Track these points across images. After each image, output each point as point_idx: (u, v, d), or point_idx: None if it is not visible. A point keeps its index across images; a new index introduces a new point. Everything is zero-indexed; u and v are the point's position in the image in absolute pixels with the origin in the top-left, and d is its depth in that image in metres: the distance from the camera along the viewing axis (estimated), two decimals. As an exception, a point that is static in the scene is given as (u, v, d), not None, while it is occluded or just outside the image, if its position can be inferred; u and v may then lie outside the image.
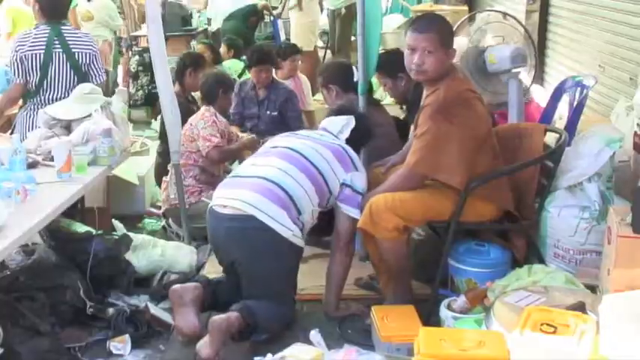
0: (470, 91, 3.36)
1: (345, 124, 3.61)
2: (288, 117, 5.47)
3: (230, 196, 3.30)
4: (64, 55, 4.26)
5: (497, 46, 4.61)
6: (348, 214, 3.42)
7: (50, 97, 4.28)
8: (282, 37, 9.22)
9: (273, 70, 5.79)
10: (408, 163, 3.32)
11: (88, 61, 4.31)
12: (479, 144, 3.29)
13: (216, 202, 3.35)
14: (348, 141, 3.58)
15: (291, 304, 3.41)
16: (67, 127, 3.92)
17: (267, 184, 3.28)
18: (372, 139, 3.76)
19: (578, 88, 4.60)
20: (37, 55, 4.25)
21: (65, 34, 4.29)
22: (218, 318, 3.15)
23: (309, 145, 3.46)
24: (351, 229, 3.44)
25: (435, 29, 3.33)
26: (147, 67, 7.44)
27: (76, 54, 4.28)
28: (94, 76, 4.34)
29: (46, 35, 4.27)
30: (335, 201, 3.44)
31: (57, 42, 4.26)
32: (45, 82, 4.27)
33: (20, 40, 4.35)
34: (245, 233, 3.23)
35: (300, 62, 6.50)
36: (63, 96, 4.25)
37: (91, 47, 4.37)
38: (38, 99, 4.31)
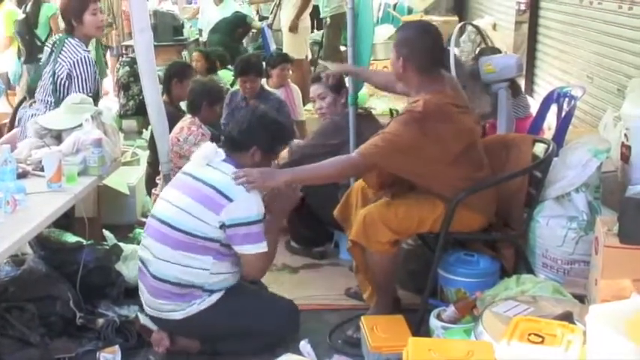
0: (452, 105, 3.27)
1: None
2: None
3: (142, 296, 3.41)
4: (53, 63, 4.28)
5: (495, 56, 4.63)
6: (242, 253, 3.23)
7: (38, 97, 4.34)
8: (273, 47, 9.21)
9: (263, 79, 5.77)
10: (362, 153, 3.21)
11: (63, 76, 4.20)
12: (453, 158, 3.24)
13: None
14: (231, 147, 3.31)
15: (265, 329, 3.30)
16: (58, 137, 3.91)
17: (156, 283, 3.27)
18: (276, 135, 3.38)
19: (567, 99, 4.63)
20: (45, 56, 4.42)
21: (65, 45, 4.27)
22: (181, 339, 3.35)
23: (182, 204, 3.23)
24: (256, 261, 3.26)
25: (398, 32, 3.49)
26: (138, 78, 7.37)
27: (58, 63, 4.25)
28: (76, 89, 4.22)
29: (54, 41, 4.41)
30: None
31: (55, 49, 4.29)
32: (39, 82, 4.34)
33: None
34: (169, 330, 3.36)
35: (290, 72, 6.48)
36: (44, 99, 4.26)
37: (70, 62, 4.19)
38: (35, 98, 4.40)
